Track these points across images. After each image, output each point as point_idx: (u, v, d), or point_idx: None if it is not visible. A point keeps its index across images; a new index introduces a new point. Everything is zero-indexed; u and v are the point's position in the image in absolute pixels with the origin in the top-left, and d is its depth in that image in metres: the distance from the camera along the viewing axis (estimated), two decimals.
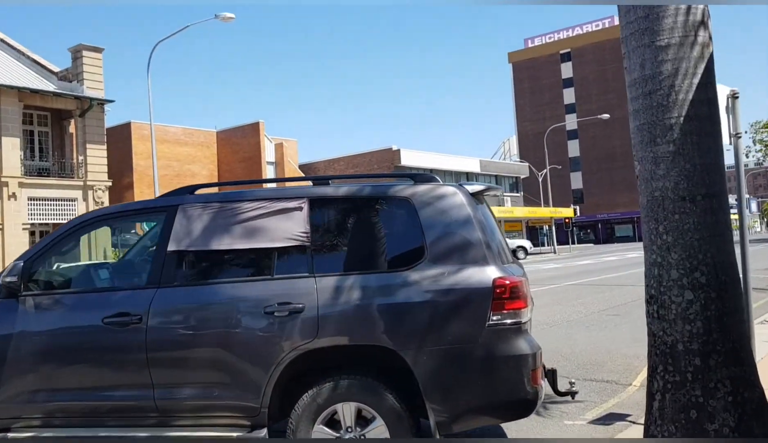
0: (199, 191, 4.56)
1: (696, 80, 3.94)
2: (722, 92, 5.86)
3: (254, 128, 41.60)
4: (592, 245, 78.29)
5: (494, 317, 3.85)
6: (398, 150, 46.27)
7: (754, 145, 50.79)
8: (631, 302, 13.20)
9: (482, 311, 3.86)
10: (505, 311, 3.88)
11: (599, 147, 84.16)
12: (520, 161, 65.12)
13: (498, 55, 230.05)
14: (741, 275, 4.52)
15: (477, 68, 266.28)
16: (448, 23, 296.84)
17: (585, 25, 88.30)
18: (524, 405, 3.92)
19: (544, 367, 4.33)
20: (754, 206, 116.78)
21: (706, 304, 3.85)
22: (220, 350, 4.02)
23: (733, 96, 6.00)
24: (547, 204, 55.59)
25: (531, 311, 4.19)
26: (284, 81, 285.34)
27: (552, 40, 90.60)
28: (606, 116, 55.48)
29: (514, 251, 39.75)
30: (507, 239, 5.05)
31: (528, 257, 42.36)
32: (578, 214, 72.83)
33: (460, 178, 53.37)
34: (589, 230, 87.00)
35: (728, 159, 5.44)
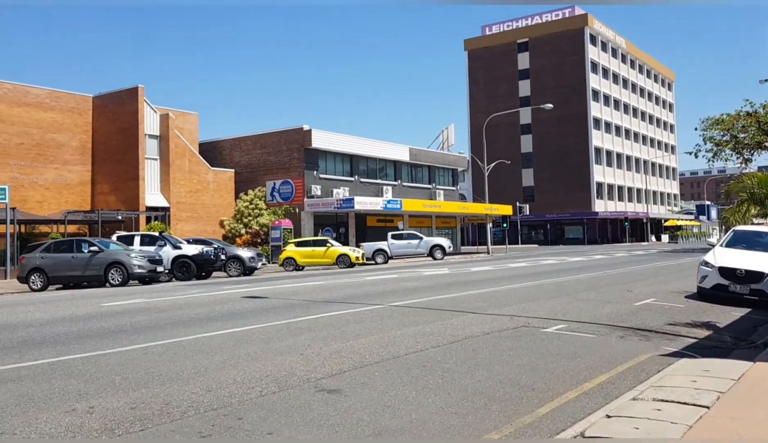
0: None
1: None
2: None
3: (132, 93, 35.72)
4: (537, 246, 73.88)
5: None
6: (309, 130, 40.82)
7: (705, 143, 45.79)
8: (391, 359, 8.05)
9: None
10: None
11: (553, 144, 79.68)
12: (459, 153, 60.02)
13: (451, 40, 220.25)
14: None
15: (427, 53, 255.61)
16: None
17: (545, 14, 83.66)
18: None
19: None
20: (714, 213, 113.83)
21: None
22: None
23: None
24: (487, 200, 50.71)
25: None
26: (193, 49, 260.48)
27: (510, 28, 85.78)
28: (549, 105, 50.61)
29: (430, 251, 34.30)
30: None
31: (446, 256, 37.33)
32: (527, 212, 68.25)
33: (384, 166, 48.15)
34: (540, 230, 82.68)
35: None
